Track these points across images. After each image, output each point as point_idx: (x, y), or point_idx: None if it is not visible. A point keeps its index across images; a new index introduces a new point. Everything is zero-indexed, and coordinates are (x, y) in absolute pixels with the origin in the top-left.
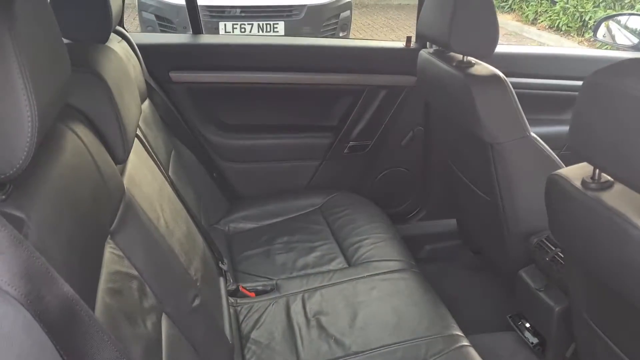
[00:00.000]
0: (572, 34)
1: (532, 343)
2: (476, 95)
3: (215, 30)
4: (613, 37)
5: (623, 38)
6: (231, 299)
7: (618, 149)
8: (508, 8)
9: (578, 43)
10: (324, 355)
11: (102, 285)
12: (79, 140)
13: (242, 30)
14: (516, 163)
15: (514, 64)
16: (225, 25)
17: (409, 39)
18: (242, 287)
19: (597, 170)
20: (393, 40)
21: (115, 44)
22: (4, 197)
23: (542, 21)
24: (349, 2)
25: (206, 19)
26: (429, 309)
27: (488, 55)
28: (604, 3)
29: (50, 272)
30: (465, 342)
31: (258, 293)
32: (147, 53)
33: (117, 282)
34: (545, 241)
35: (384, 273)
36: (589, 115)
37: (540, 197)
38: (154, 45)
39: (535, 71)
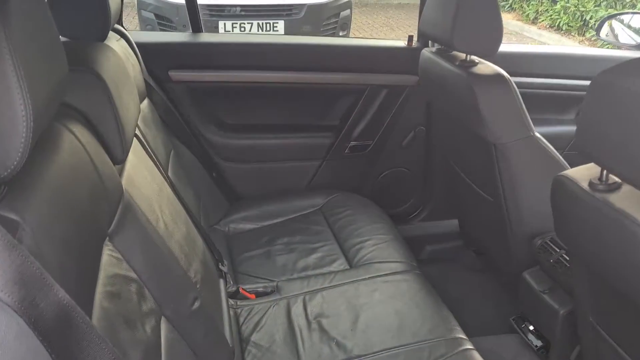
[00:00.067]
0: (572, 34)
1: (536, 346)
2: (479, 94)
3: (215, 29)
4: (616, 36)
5: (626, 37)
6: (231, 301)
7: (626, 149)
8: (508, 7)
9: (579, 42)
10: (325, 358)
11: (100, 288)
12: (76, 140)
13: (242, 29)
14: (520, 163)
15: (516, 63)
16: (224, 24)
17: (410, 37)
18: (242, 288)
19: (605, 172)
20: (394, 40)
21: (113, 42)
22: None
23: (542, 20)
24: (348, 1)
25: (205, 17)
26: (431, 311)
27: (491, 54)
28: (605, 2)
29: (45, 277)
30: (469, 346)
31: (258, 295)
32: (147, 52)
33: (115, 285)
34: (549, 243)
35: (386, 275)
36: (596, 115)
37: (544, 198)
38: (153, 43)
39: (538, 70)
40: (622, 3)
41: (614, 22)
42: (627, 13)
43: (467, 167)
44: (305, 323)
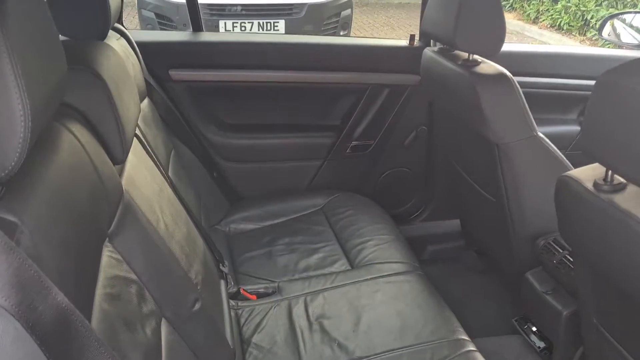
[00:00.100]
0: (573, 33)
1: (539, 347)
2: (482, 94)
3: (215, 29)
4: (618, 36)
5: (628, 36)
6: (232, 302)
7: (631, 149)
8: (509, 7)
9: (580, 42)
10: None
11: (100, 290)
12: (75, 139)
13: (242, 28)
14: (523, 163)
15: (519, 62)
16: (225, 23)
17: (412, 37)
18: (243, 289)
19: (610, 172)
20: (395, 39)
21: (113, 41)
22: None
23: (543, 20)
24: (349, 0)
25: (206, 17)
26: (434, 312)
27: (494, 53)
28: (606, 2)
29: (44, 280)
30: (472, 347)
31: (259, 296)
32: (147, 51)
33: (115, 287)
34: (552, 243)
35: (388, 275)
36: (601, 115)
37: (547, 198)
38: (154, 42)
39: (540, 70)
40: (623, 3)
41: (616, 22)
42: (629, 12)
43: (469, 167)
44: (306, 324)
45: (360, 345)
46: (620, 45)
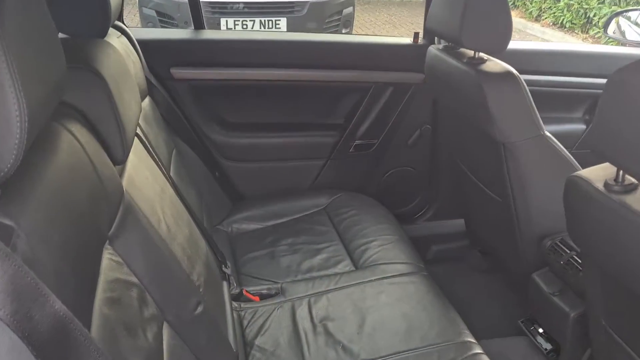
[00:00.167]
0: (576, 31)
1: (545, 349)
2: (488, 92)
3: (217, 27)
4: (623, 33)
5: (634, 34)
6: (235, 304)
7: None
8: (511, 4)
9: (582, 40)
10: None
11: (100, 294)
12: (74, 140)
13: (244, 26)
14: (530, 163)
15: (524, 60)
16: (226, 21)
17: (416, 34)
18: (246, 290)
19: (621, 172)
20: (399, 37)
21: (114, 39)
22: None
23: (545, 18)
24: None
25: (208, 15)
26: (439, 314)
27: (500, 50)
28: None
29: (41, 287)
30: (478, 350)
31: (262, 297)
32: (148, 49)
33: (115, 291)
34: (559, 244)
35: (393, 276)
36: (612, 114)
37: (554, 198)
38: (155, 40)
39: (546, 68)
40: (626, 0)
41: (621, 19)
42: (634, 10)
43: (474, 166)
44: (310, 326)
45: (365, 348)
46: (624, 43)
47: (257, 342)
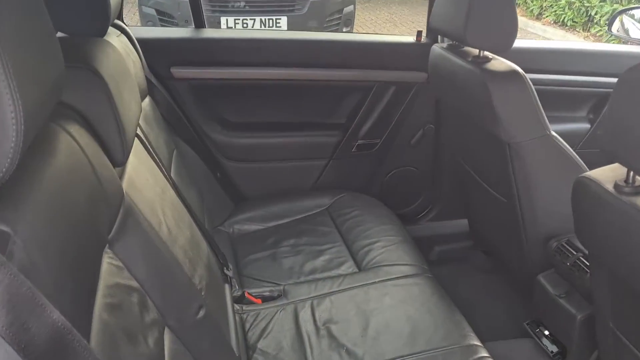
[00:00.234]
0: (577, 29)
1: (551, 352)
2: (494, 91)
3: (217, 26)
4: (626, 31)
5: (637, 32)
6: (237, 306)
7: None
8: None
9: (584, 38)
10: None
11: (100, 300)
12: (73, 141)
13: (244, 25)
14: (535, 163)
15: (528, 59)
16: (227, 20)
17: (419, 33)
18: (248, 293)
19: (632, 173)
20: (402, 35)
21: (113, 38)
22: None
23: (547, 16)
24: None
25: (208, 13)
26: (444, 316)
27: (506, 49)
28: None
29: (37, 297)
30: (484, 353)
31: (265, 299)
32: (148, 48)
33: (115, 296)
34: (565, 245)
35: (397, 278)
36: (624, 114)
37: (560, 198)
38: (155, 39)
39: (550, 66)
40: None
41: (625, 17)
42: (638, 8)
43: (478, 167)
44: (313, 329)
45: (369, 352)
46: (628, 41)
47: (259, 345)
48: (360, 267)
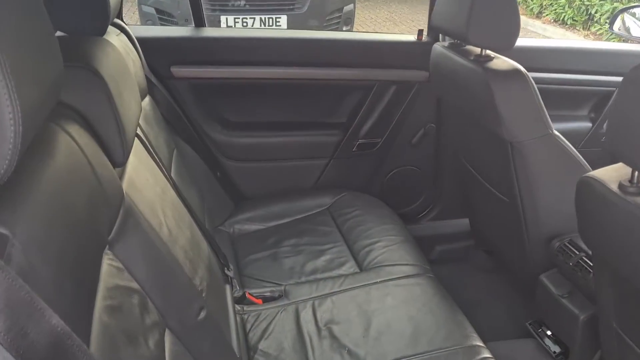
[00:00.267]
0: (577, 28)
1: (554, 352)
2: (496, 90)
3: (217, 25)
4: (628, 30)
5: (639, 31)
6: (237, 307)
7: None
8: None
9: (584, 36)
10: None
11: (100, 302)
12: (72, 141)
13: (244, 24)
14: (538, 162)
15: (530, 57)
16: (226, 19)
17: (420, 32)
18: (249, 293)
19: (637, 173)
20: (403, 34)
21: (113, 37)
22: None
23: (547, 14)
24: None
25: (208, 12)
26: (446, 317)
27: (508, 48)
28: None
29: (36, 302)
30: (487, 354)
31: (266, 300)
32: (148, 47)
33: (116, 298)
34: (568, 245)
35: (398, 278)
36: (629, 113)
37: (563, 198)
38: (155, 38)
39: (552, 65)
40: None
41: (627, 16)
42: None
43: (480, 166)
44: (315, 330)
45: (371, 352)
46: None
47: (260, 346)
48: (361, 267)
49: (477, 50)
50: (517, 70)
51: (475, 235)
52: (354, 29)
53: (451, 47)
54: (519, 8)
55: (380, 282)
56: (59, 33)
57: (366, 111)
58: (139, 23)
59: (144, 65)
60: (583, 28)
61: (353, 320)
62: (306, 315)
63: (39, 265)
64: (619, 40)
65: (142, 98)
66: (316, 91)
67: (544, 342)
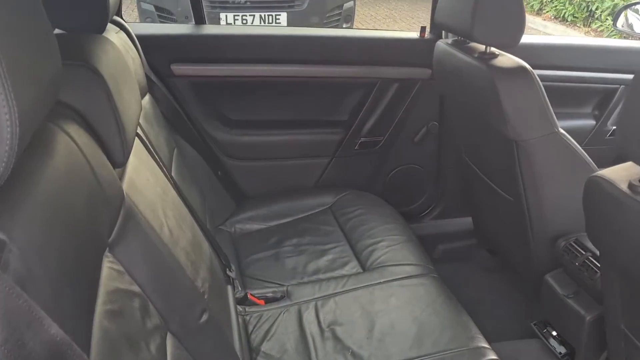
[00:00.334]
0: (578, 25)
1: (560, 353)
2: (501, 88)
3: (217, 22)
4: (631, 26)
5: None
6: (239, 308)
7: None
8: None
9: (584, 33)
10: None
11: (100, 307)
12: (71, 141)
13: (244, 21)
14: (544, 161)
15: (533, 55)
16: (226, 16)
17: (423, 29)
18: (251, 294)
19: None
20: (405, 31)
21: (112, 34)
22: None
23: (547, 11)
24: None
25: (207, 9)
26: (451, 318)
27: (513, 45)
28: None
29: (34, 311)
30: (493, 356)
31: (268, 300)
32: (147, 44)
33: (116, 302)
34: (574, 244)
35: (402, 279)
36: (639, 112)
37: (569, 197)
38: (155, 36)
39: (556, 62)
40: None
41: (630, 12)
42: None
43: (484, 165)
44: (318, 331)
45: (375, 354)
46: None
47: (263, 348)
48: (364, 267)
49: (482, 47)
50: (522, 68)
51: (478, 234)
52: (354, 26)
53: (455, 44)
54: None
55: (384, 282)
56: (57, 31)
57: (368, 109)
58: (138, 20)
59: (144, 63)
60: (584, 25)
61: (356, 321)
62: (309, 316)
63: (37, 271)
64: (620, 37)
65: (142, 96)
66: (318, 89)
67: (549, 343)
